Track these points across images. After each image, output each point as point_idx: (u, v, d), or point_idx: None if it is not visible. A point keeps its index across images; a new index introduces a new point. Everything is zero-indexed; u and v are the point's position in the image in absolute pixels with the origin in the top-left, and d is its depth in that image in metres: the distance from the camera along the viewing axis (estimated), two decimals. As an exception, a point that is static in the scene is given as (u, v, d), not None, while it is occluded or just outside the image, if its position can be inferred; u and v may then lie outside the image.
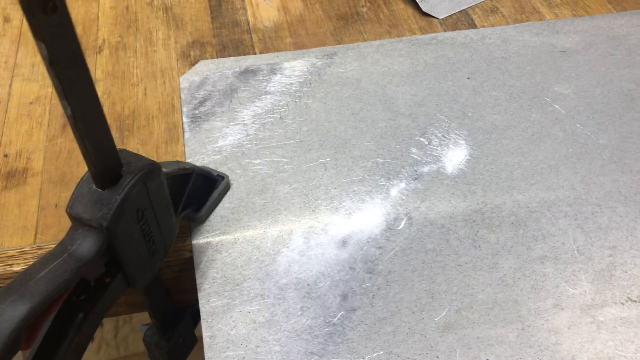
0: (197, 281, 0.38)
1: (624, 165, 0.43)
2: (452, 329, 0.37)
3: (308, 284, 0.38)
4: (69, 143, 0.45)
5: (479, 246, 0.40)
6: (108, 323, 1.01)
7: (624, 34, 0.54)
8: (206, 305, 0.37)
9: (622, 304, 0.38)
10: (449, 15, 0.56)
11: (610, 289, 0.39)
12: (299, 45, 0.53)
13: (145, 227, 0.32)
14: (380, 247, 0.39)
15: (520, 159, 0.44)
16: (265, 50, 0.53)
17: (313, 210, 0.41)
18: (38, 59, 0.51)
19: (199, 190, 0.39)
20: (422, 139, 0.45)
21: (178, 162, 0.37)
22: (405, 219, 0.41)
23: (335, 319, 0.37)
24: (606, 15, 0.56)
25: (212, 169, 0.41)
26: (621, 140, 0.45)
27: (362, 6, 0.57)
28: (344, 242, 0.40)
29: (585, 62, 0.51)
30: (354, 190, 0.42)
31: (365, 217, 0.41)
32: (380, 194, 0.42)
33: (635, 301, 0.39)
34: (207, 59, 0.52)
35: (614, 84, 0.49)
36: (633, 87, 0.49)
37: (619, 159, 0.44)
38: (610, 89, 0.49)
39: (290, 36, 0.54)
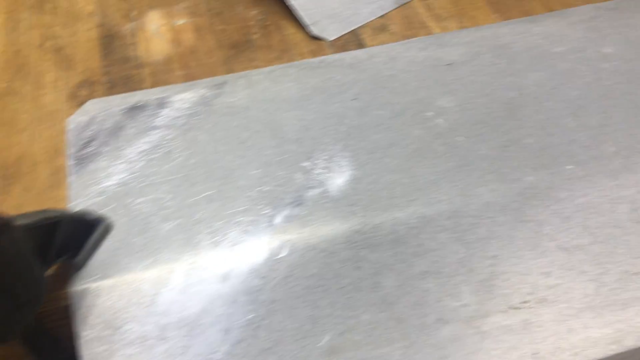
0: (77, 328, 0.38)
1: (502, 174, 0.45)
2: (336, 352, 0.37)
3: (190, 322, 0.38)
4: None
5: (361, 267, 0.40)
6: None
7: (508, 42, 0.55)
8: (87, 352, 0.37)
9: (504, 312, 0.39)
10: (339, 37, 0.57)
11: (492, 299, 0.40)
12: (190, 77, 0.53)
13: (3, 283, 0.32)
14: (263, 277, 0.40)
15: (401, 176, 0.45)
16: (155, 84, 0.53)
17: (195, 246, 0.41)
18: None
19: (73, 236, 0.38)
20: (307, 164, 0.45)
21: (45, 210, 0.37)
22: (287, 246, 0.41)
23: (218, 354, 0.37)
24: (492, 24, 0.58)
25: (91, 212, 0.41)
26: (500, 150, 0.46)
27: (254, 33, 0.57)
28: (226, 276, 0.40)
29: (470, 74, 0.52)
30: (237, 222, 0.42)
31: (248, 248, 0.41)
32: (264, 223, 0.42)
33: (517, 308, 0.40)
34: (96, 97, 0.52)
35: (497, 94, 0.50)
36: (514, 95, 0.50)
37: (497, 169, 0.45)
38: (493, 98, 0.50)
39: (181, 68, 0.54)
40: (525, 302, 0.40)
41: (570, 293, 0.40)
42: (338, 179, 0.44)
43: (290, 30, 0.57)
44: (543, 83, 0.51)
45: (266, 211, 0.43)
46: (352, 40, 0.56)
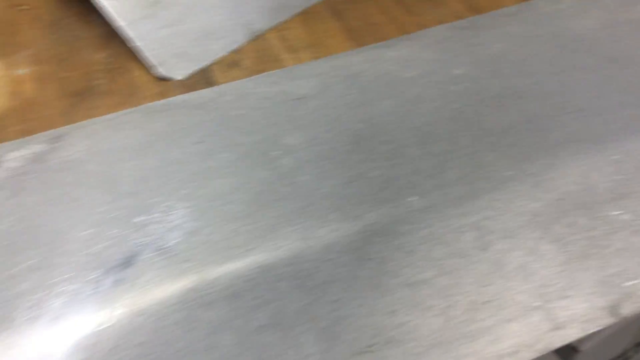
0: None
1: (345, 212, 0.43)
2: None
3: (4, 410, 0.35)
4: None
5: (195, 328, 0.38)
6: None
7: (360, 70, 0.55)
8: None
9: (350, 358, 0.38)
10: (188, 76, 0.54)
11: (337, 345, 0.38)
12: (27, 132, 0.50)
13: None
14: (87, 351, 0.37)
15: (242, 223, 0.43)
16: (-12, 143, 0.49)
17: (12, 323, 0.38)
18: None
19: None
20: (141, 219, 0.43)
21: None
22: (114, 313, 0.38)
23: None
24: (345, 53, 0.57)
25: None
26: (344, 186, 0.45)
27: (98, 79, 0.55)
28: (46, 354, 0.37)
29: (319, 107, 0.51)
30: (60, 291, 0.39)
31: (71, 320, 0.38)
32: (90, 290, 0.39)
33: (363, 352, 0.38)
34: None
35: (345, 126, 0.49)
36: (361, 127, 0.49)
37: (340, 207, 0.44)
38: (340, 132, 0.49)
39: (18, 123, 0.51)
40: (371, 345, 0.38)
41: (418, 330, 0.39)
42: (174, 233, 0.42)
43: (137, 72, 0.55)
44: (392, 111, 0.50)
45: (93, 276, 0.40)
46: (202, 79, 0.54)
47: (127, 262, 0.41)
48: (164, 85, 0.54)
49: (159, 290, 0.39)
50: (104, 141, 0.49)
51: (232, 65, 0.55)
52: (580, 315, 0.41)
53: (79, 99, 0.53)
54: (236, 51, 0.57)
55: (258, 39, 0.58)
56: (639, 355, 0.87)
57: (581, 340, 0.42)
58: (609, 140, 0.48)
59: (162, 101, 0.52)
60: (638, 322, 0.69)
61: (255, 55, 0.56)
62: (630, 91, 0.52)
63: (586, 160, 0.47)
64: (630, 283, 0.42)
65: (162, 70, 0.54)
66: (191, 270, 0.40)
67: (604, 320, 0.41)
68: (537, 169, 0.46)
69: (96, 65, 0.56)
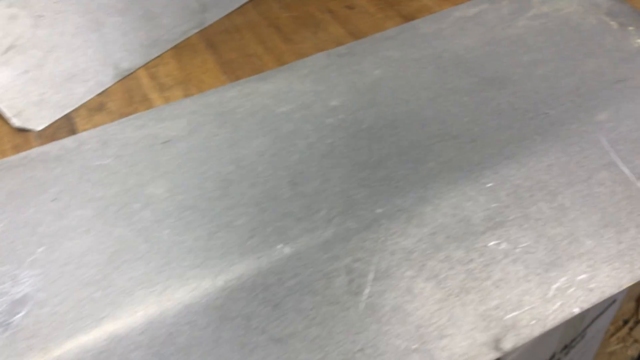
0: None
1: (205, 267, 0.41)
2: None
3: None
4: None
5: (37, 414, 0.35)
6: None
7: (233, 107, 0.52)
8: None
9: None
10: (49, 125, 0.51)
11: (198, 415, 0.35)
12: None
13: None
14: None
15: (94, 289, 0.40)
16: None
17: None
18: None
19: None
20: (-17, 293, 0.39)
21: None
22: (-55, 407, 0.35)
23: None
24: (219, 88, 0.54)
25: None
26: (208, 239, 0.42)
27: (-51, 134, 0.51)
28: None
29: (187, 151, 0.48)
30: None
31: None
32: None
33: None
34: None
35: (213, 170, 0.47)
36: (232, 169, 0.47)
37: (201, 262, 0.41)
38: (208, 176, 0.46)
39: None
40: (236, 411, 0.36)
41: (287, 389, 0.37)
42: (19, 306, 0.39)
43: (-7, 124, 0.51)
44: (264, 150, 0.48)
45: None
46: (64, 127, 0.51)
47: (-36, 344, 0.37)
48: (23, 136, 0.50)
49: (-4, 375, 0.36)
50: (-52, 205, 0.45)
51: (97, 109, 0.52)
52: (461, 353, 0.39)
53: None
54: (102, 94, 0.54)
55: (127, 78, 0.55)
56: (568, 358, 0.87)
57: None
58: (483, 167, 0.47)
59: (18, 155, 0.48)
60: (563, 325, 0.69)
61: (122, 97, 0.53)
62: (506, 113, 0.51)
63: (459, 190, 0.45)
64: (511, 315, 0.41)
65: (17, 122, 0.51)
66: (33, 348, 0.37)
67: (487, 357, 0.40)
68: (409, 204, 0.44)
69: (-52, 118, 0.52)
